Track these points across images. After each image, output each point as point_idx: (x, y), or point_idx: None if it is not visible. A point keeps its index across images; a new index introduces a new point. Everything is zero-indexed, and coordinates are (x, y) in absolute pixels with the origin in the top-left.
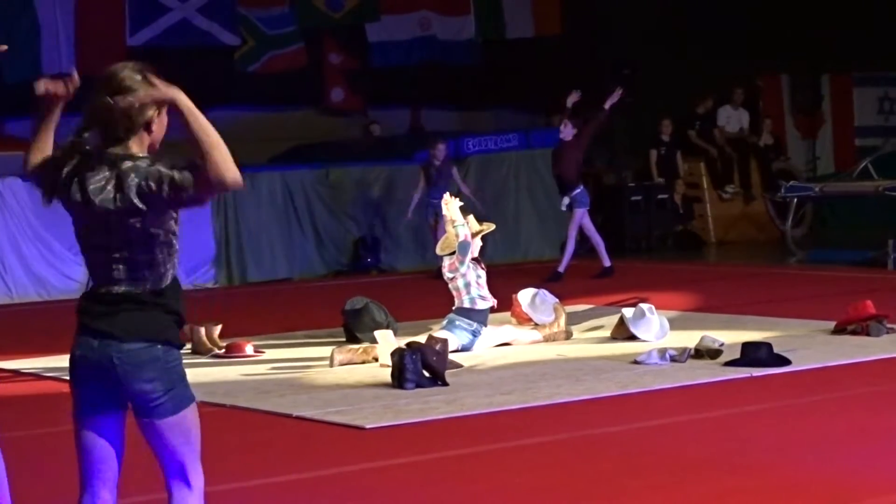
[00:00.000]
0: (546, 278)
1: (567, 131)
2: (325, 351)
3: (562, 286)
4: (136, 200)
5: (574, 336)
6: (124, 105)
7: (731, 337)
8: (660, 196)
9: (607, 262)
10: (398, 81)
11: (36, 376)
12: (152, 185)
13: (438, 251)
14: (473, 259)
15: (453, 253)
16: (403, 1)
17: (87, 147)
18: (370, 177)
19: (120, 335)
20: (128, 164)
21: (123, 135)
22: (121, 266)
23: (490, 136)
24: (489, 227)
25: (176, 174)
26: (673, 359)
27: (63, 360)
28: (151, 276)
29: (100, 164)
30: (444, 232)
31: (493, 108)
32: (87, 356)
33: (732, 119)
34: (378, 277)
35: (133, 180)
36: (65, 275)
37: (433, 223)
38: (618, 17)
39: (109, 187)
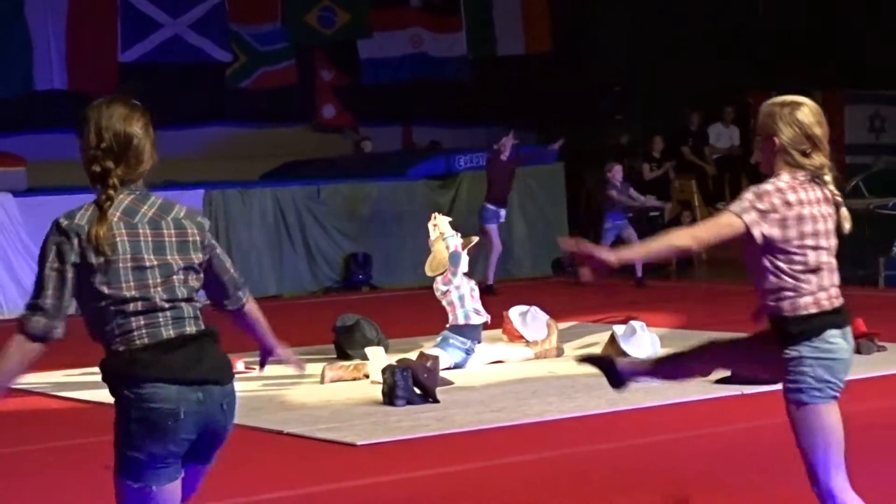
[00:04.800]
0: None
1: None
2: (316, 368)
3: (553, 303)
4: None
5: (565, 353)
6: None
7: None
8: (651, 214)
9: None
10: (390, 98)
11: (26, 392)
12: None
13: (428, 272)
14: (464, 274)
15: (443, 273)
16: (395, 18)
17: None
18: (362, 193)
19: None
20: None
21: None
22: None
23: (481, 152)
24: (474, 239)
25: None
26: None
27: (52, 376)
28: None
29: None
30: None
31: (484, 124)
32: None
33: (723, 136)
34: (369, 294)
35: None
36: None
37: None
38: (608, 35)
39: None
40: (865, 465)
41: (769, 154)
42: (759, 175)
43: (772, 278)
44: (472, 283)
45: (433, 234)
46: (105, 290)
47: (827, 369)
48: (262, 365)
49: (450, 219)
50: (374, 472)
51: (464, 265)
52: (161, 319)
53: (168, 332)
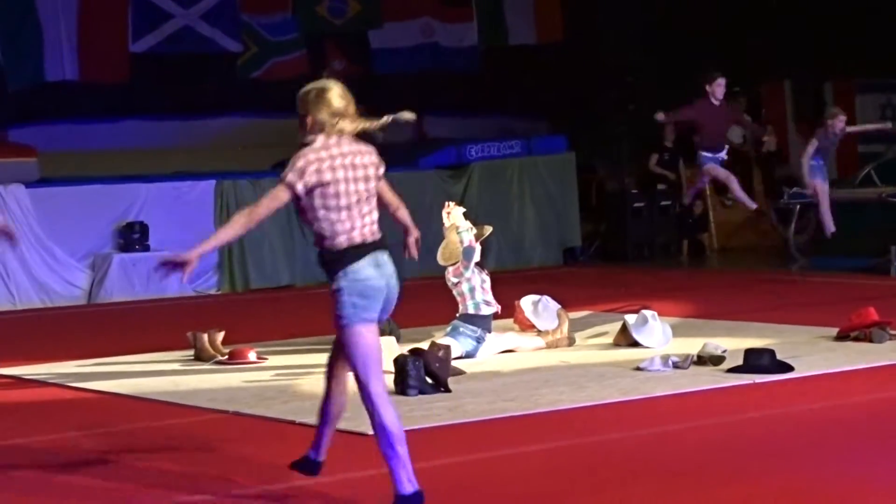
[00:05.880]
0: None
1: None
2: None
3: (564, 292)
4: None
5: (577, 343)
6: None
7: (733, 343)
8: (662, 203)
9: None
10: (401, 88)
11: (39, 383)
12: None
13: (440, 260)
14: (476, 264)
15: (455, 262)
16: (406, 8)
17: None
18: None
19: None
20: None
21: None
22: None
23: (493, 142)
24: (488, 230)
25: None
26: (676, 365)
27: (65, 367)
28: None
29: None
30: None
31: (495, 114)
32: None
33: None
34: None
35: None
36: (67, 281)
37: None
38: (620, 24)
39: None
40: (877, 454)
41: (305, 129)
42: (770, 164)
43: (318, 223)
44: (485, 273)
45: (447, 223)
46: None
47: (361, 295)
48: None
49: (463, 209)
50: (385, 463)
51: (476, 256)
52: None
53: None
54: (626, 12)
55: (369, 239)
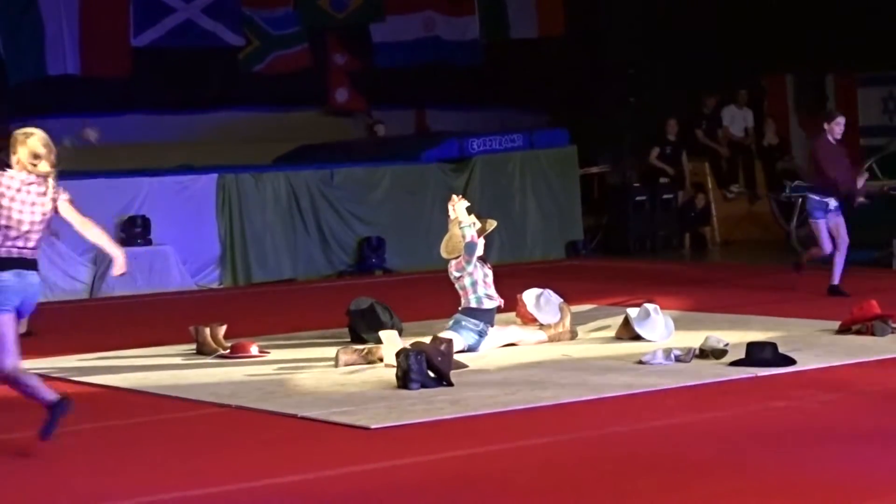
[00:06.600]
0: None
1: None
2: (330, 351)
3: (566, 286)
4: None
5: (579, 336)
6: None
7: (735, 337)
8: (665, 196)
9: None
10: (402, 82)
11: (41, 377)
12: None
13: (444, 254)
14: (479, 258)
15: (458, 256)
16: (408, 1)
17: None
18: (375, 177)
19: None
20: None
21: None
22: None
23: (494, 136)
24: (492, 224)
25: None
26: (678, 359)
27: (67, 361)
28: None
29: None
30: None
31: (497, 108)
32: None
33: (737, 119)
34: (383, 278)
35: None
36: (70, 275)
37: None
38: (621, 18)
39: None
40: (880, 448)
41: (11, 165)
42: (772, 157)
43: None
44: (487, 267)
45: (452, 216)
46: None
47: (1, 293)
48: None
49: (467, 203)
50: (388, 456)
51: (479, 250)
52: None
53: None
54: (628, 5)
55: (16, 255)
